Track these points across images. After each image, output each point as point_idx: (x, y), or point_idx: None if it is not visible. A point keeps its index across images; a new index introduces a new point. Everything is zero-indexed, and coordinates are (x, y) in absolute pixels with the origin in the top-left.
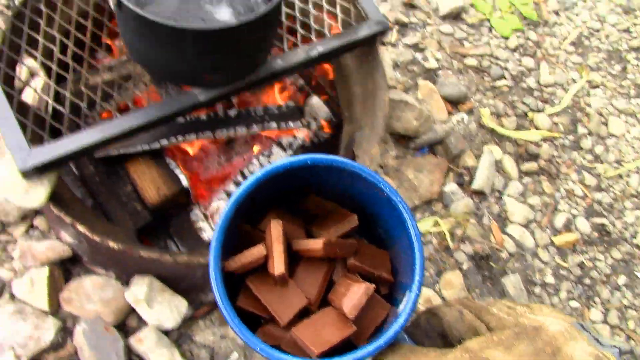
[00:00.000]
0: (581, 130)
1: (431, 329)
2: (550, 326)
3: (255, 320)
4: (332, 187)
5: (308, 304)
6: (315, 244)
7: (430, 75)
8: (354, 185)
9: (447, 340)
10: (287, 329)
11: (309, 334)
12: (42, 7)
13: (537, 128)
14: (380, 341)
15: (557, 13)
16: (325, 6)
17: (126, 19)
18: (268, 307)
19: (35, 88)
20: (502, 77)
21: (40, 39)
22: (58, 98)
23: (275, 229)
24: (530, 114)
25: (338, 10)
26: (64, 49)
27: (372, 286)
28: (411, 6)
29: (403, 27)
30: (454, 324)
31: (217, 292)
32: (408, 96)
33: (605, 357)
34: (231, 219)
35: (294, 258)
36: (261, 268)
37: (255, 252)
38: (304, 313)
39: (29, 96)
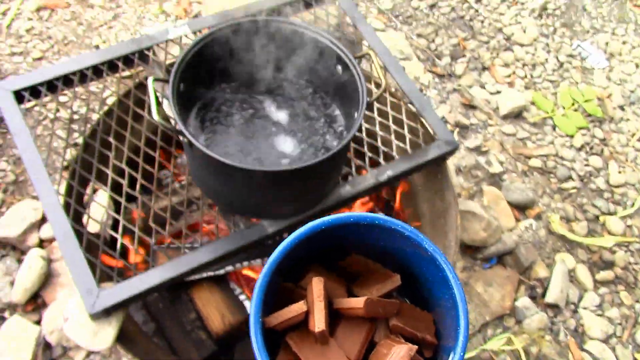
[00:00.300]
0: None
1: None
2: None
3: None
4: (373, 246)
5: None
6: (357, 303)
7: (495, 180)
8: (396, 244)
9: None
10: None
11: None
12: (111, 140)
13: (610, 233)
14: None
15: (622, 108)
16: (393, 127)
17: (195, 157)
18: None
19: (104, 223)
20: (569, 178)
21: (110, 172)
22: (126, 232)
23: (317, 286)
24: (601, 218)
25: (406, 131)
26: (132, 182)
27: (415, 347)
28: (471, 107)
29: (464, 129)
30: None
31: (257, 347)
32: (475, 205)
33: None
34: (271, 276)
35: (335, 317)
36: (302, 325)
37: (296, 309)
38: None
39: (94, 226)
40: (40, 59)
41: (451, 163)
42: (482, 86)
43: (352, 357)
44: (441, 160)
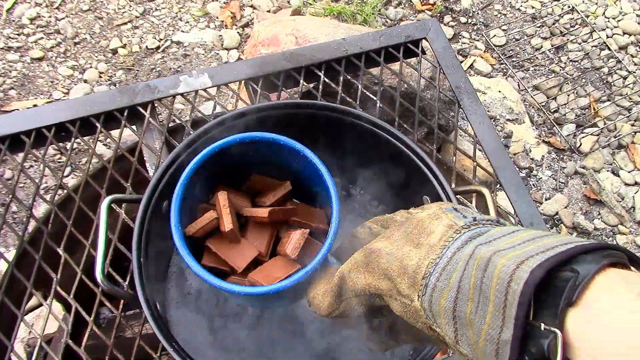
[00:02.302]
0: None
1: (351, 248)
2: (421, 213)
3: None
4: (270, 163)
5: (259, 255)
6: (262, 212)
7: None
8: (290, 159)
9: None
10: (244, 275)
11: (261, 275)
12: (61, 252)
13: None
14: (311, 265)
15: None
16: None
17: None
18: (226, 260)
19: None
20: None
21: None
22: None
23: (222, 196)
24: None
25: None
26: None
27: (307, 230)
28: (597, 202)
29: (583, 233)
30: (366, 239)
31: (181, 247)
32: None
33: (456, 225)
34: (186, 189)
35: (245, 225)
36: (217, 232)
37: (207, 216)
38: (258, 264)
39: None
40: (40, 59)
41: None
42: (616, 172)
43: (262, 249)
44: None
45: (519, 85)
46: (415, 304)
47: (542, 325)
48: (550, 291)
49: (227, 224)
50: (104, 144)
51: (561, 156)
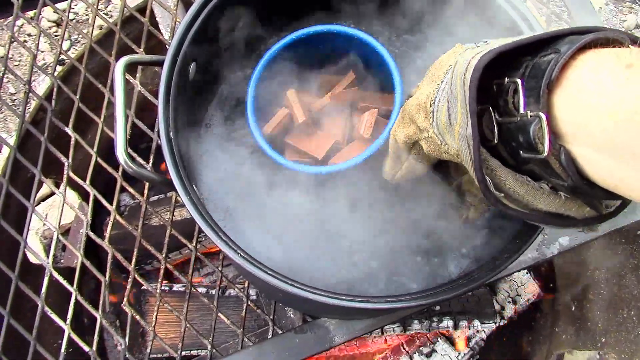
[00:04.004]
0: None
1: None
2: (443, 55)
3: None
4: (338, 58)
5: (337, 142)
6: (325, 99)
7: None
8: (361, 51)
9: None
10: (325, 163)
11: (342, 159)
12: (69, 131)
13: None
14: (380, 139)
15: None
16: None
17: None
18: (306, 151)
19: None
20: None
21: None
22: None
23: (291, 95)
24: None
25: None
26: None
27: (375, 110)
28: None
29: None
30: None
31: (263, 144)
32: None
33: (460, 48)
34: (257, 87)
35: (318, 121)
36: (292, 130)
37: (280, 113)
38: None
39: None
40: None
41: None
42: None
43: (339, 137)
44: None
45: None
46: (431, 134)
47: (528, 112)
48: (535, 76)
49: (300, 116)
50: (104, 13)
51: (620, 8)
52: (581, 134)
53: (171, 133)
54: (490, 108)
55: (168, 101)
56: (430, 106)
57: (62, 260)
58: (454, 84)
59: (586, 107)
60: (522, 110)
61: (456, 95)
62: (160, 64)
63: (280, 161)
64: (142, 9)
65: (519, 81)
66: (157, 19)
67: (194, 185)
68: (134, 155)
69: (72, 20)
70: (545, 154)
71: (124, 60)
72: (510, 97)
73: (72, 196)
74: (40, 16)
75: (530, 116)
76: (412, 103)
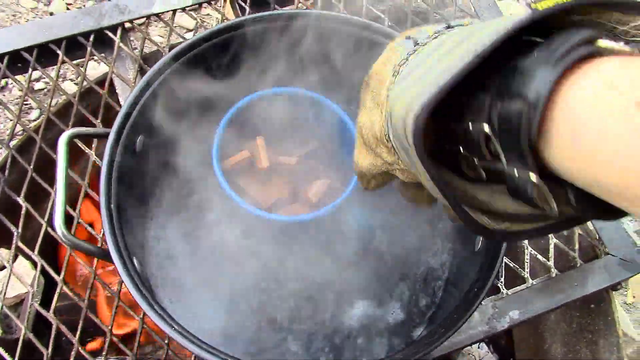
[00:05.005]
0: None
1: None
2: (377, 61)
3: None
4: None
5: (280, 198)
6: (291, 159)
7: None
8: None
9: None
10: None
11: (287, 214)
12: (20, 201)
13: None
14: (334, 202)
15: None
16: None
17: None
18: (254, 197)
19: None
20: None
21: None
22: None
23: (260, 141)
24: None
25: (552, 238)
26: None
27: (328, 182)
28: None
29: None
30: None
31: (222, 181)
32: None
33: (397, 66)
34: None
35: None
36: (246, 173)
37: (242, 154)
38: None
39: None
40: None
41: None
42: None
43: (285, 194)
44: (607, 291)
45: None
46: (402, 166)
47: (515, 171)
48: (507, 130)
49: (264, 161)
50: (70, 79)
51: None
52: (591, 187)
53: (112, 206)
54: (463, 150)
55: (110, 175)
56: (388, 142)
57: (16, 331)
58: (396, 125)
59: (591, 160)
60: (505, 168)
61: (404, 144)
62: (105, 136)
63: (238, 201)
64: (101, 82)
65: (487, 129)
66: (117, 90)
67: (133, 258)
68: (85, 225)
69: (41, 90)
70: (556, 213)
71: (67, 133)
72: (482, 144)
73: (27, 267)
74: (10, 85)
75: (518, 175)
76: (368, 132)
